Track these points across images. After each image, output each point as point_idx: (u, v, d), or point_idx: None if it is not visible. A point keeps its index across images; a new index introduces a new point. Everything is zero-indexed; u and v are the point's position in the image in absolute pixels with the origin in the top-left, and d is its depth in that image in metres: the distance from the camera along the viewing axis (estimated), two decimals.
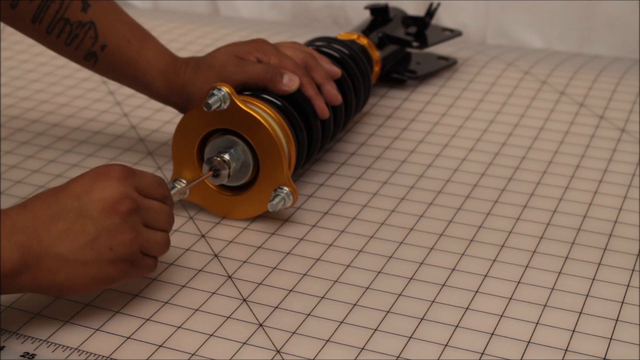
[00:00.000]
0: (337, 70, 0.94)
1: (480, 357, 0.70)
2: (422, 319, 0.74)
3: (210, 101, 0.83)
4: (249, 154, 0.85)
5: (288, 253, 0.83)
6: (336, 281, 0.79)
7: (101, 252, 0.68)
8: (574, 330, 0.72)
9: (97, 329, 0.73)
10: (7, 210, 0.67)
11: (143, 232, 0.70)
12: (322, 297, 0.77)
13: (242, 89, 0.88)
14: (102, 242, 0.68)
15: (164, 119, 1.08)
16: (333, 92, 0.91)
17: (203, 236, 0.85)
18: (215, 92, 0.83)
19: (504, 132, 1.04)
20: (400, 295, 0.77)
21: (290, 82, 0.88)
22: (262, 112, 0.85)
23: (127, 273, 0.70)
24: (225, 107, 0.83)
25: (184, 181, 0.87)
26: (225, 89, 0.83)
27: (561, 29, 1.35)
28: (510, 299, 0.76)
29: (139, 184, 0.71)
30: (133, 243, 0.69)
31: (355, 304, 0.76)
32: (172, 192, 0.84)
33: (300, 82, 0.89)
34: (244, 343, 0.72)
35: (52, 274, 0.67)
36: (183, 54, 1.07)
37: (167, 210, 0.73)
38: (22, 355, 0.70)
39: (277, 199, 0.84)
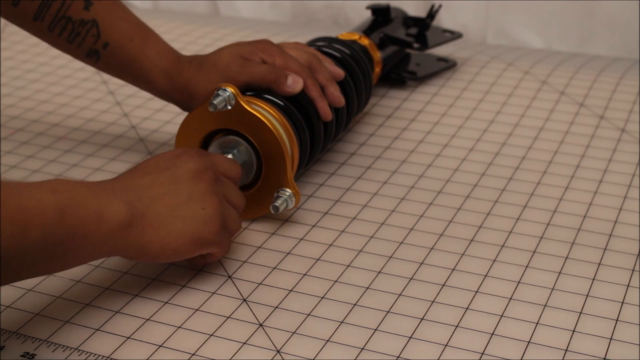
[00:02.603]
0: (340, 72, 0.94)
1: (480, 357, 0.70)
2: (422, 319, 0.74)
3: (215, 101, 0.83)
4: (252, 155, 0.85)
5: (288, 253, 0.83)
6: (336, 281, 0.79)
7: (195, 210, 0.73)
8: (574, 330, 0.72)
9: (97, 329, 0.73)
10: (102, 181, 0.72)
11: (224, 201, 0.76)
12: (322, 297, 0.77)
13: (246, 89, 0.88)
14: (195, 202, 0.74)
15: (164, 119, 1.08)
16: (336, 94, 0.91)
17: None
18: (220, 92, 0.83)
19: (504, 132, 1.04)
20: (400, 295, 0.77)
21: (294, 83, 0.88)
22: (265, 113, 0.85)
23: (217, 235, 0.75)
24: (229, 108, 0.83)
25: None
26: (231, 90, 0.83)
27: (561, 29, 1.35)
28: (510, 299, 0.76)
29: (214, 162, 0.77)
30: (220, 205, 0.75)
31: (355, 304, 0.76)
32: None
33: (304, 84, 0.89)
34: (244, 343, 0.72)
35: (155, 230, 0.71)
36: (183, 53, 1.06)
37: (238, 189, 0.80)
38: (22, 355, 0.70)
39: (279, 201, 0.84)
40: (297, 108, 0.88)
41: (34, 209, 0.63)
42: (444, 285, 0.78)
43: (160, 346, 0.71)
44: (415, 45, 1.15)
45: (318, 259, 0.82)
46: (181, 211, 0.73)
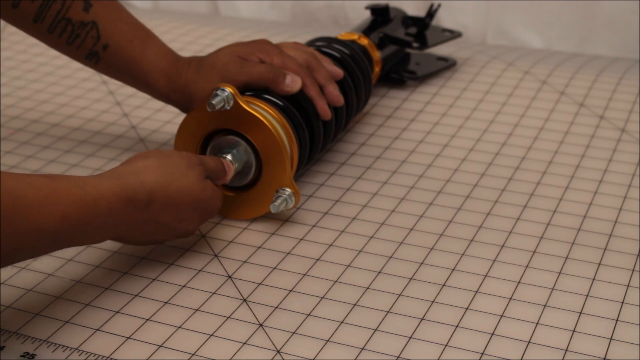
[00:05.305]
0: (339, 71, 0.94)
1: (480, 357, 0.70)
2: (422, 319, 0.74)
3: (213, 101, 0.83)
4: (252, 155, 0.85)
5: (288, 253, 0.83)
6: (336, 281, 0.79)
7: (144, 241, 0.78)
8: (574, 330, 0.72)
9: (97, 329, 0.73)
10: (137, 200, 0.73)
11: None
12: (322, 297, 0.77)
13: (245, 89, 0.88)
14: (153, 240, 0.79)
15: (164, 119, 1.08)
16: (335, 93, 0.91)
17: (203, 236, 0.85)
18: (218, 92, 0.83)
19: (504, 132, 1.04)
20: (400, 295, 0.77)
21: (292, 82, 0.88)
22: (264, 113, 0.85)
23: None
24: (228, 108, 0.83)
25: None
26: (229, 90, 0.83)
27: (561, 29, 1.35)
28: (510, 299, 0.76)
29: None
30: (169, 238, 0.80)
31: (355, 304, 0.76)
32: None
33: (303, 83, 0.89)
34: (244, 343, 0.72)
35: (125, 239, 0.76)
36: (183, 54, 1.06)
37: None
38: (22, 355, 0.70)
39: (279, 200, 0.84)
40: (296, 107, 0.88)
41: (32, 233, 0.65)
42: (444, 285, 0.78)
43: (160, 346, 0.71)
44: (415, 44, 1.15)
45: (318, 259, 0.82)
46: (138, 240, 0.77)
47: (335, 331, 0.73)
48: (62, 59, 1.23)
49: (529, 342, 0.71)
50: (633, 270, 0.79)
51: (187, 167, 0.77)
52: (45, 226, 0.66)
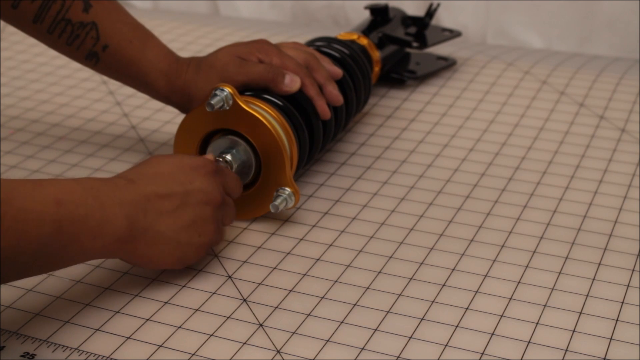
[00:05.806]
0: (338, 71, 0.94)
1: (480, 357, 0.70)
2: (422, 319, 0.74)
3: (212, 101, 0.83)
4: (251, 155, 0.85)
5: (288, 253, 0.83)
6: (336, 281, 0.79)
7: (192, 237, 0.76)
8: (574, 330, 0.72)
9: (97, 329, 0.73)
10: (116, 182, 0.72)
11: (220, 223, 0.78)
12: (322, 297, 0.77)
13: (244, 89, 0.88)
14: (195, 228, 0.76)
15: (164, 119, 1.08)
16: (334, 93, 0.91)
17: None
18: (217, 92, 0.83)
19: (504, 132, 1.04)
20: (400, 295, 0.77)
21: (291, 82, 0.88)
22: (264, 113, 0.85)
23: (199, 258, 0.78)
24: (227, 108, 0.84)
25: None
26: (228, 90, 0.83)
27: (561, 29, 1.35)
28: (510, 299, 0.76)
29: (224, 182, 0.79)
30: (215, 233, 0.78)
31: (355, 304, 0.76)
32: None
33: (302, 83, 0.89)
34: (244, 343, 0.72)
35: (149, 247, 0.73)
36: (183, 54, 1.06)
37: (234, 209, 0.81)
38: (22, 355, 0.70)
39: (279, 200, 0.84)
40: (296, 107, 0.88)
41: (32, 221, 0.65)
42: (444, 285, 0.78)
43: (160, 346, 0.71)
44: (415, 44, 1.15)
45: (318, 259, 0.82)
46: (179, 235, 0.75)
47: (335, 331, 0.73)
48: (62, 59, 1.23)
49: (529, 342, 0.71)
50: (633, 270, 0.79)
51: (153, 155, 0.79)
52: (42, 214, 0.65)
